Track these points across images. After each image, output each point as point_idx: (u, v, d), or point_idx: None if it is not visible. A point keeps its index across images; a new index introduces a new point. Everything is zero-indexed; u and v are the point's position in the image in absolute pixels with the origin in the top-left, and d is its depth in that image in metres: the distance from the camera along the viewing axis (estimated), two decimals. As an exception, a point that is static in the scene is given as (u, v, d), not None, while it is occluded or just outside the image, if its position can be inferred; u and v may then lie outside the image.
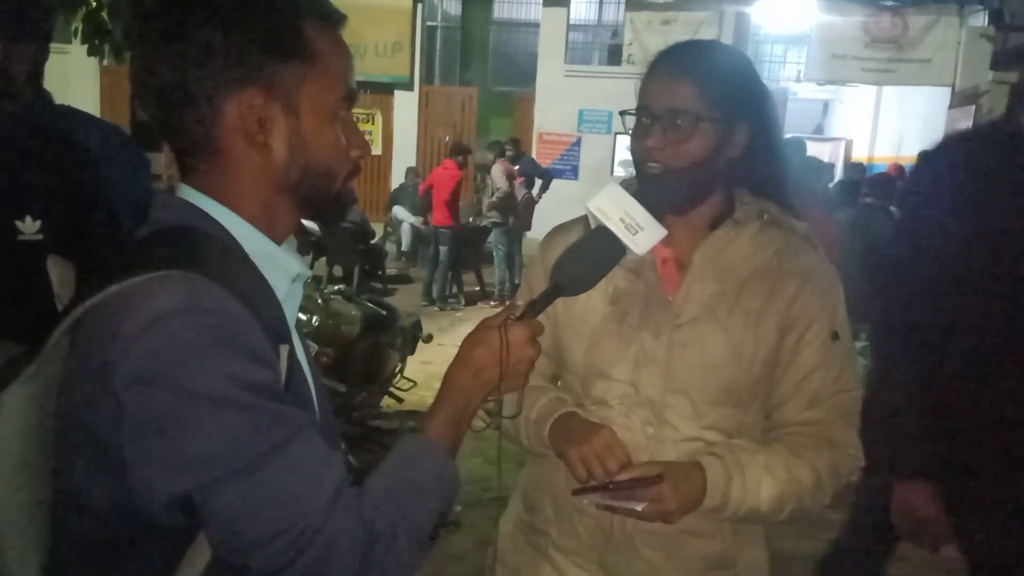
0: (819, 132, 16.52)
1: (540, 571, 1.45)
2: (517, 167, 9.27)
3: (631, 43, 12.55)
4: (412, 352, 4.85)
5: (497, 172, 8.86)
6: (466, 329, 1.09)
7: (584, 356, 1.38)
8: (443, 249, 8.59)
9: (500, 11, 15.32)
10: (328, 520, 0.83)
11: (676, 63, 1.30)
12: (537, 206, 9.42)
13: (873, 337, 1.97)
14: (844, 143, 15.28)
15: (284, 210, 0.97)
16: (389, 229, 11.08)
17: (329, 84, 0.94)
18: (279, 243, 0.98)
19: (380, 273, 9.35)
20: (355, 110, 1.02)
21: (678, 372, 1.32)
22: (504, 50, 15.50)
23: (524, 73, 14.10)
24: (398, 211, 10.92)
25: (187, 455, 0.80)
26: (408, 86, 13.55)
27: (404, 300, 7.91)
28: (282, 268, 0.97)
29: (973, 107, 10.87)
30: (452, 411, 1.01)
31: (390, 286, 9.32)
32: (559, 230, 1.47)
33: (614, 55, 13.85)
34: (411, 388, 4.81)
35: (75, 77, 11.23)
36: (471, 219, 9.74)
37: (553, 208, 7.76)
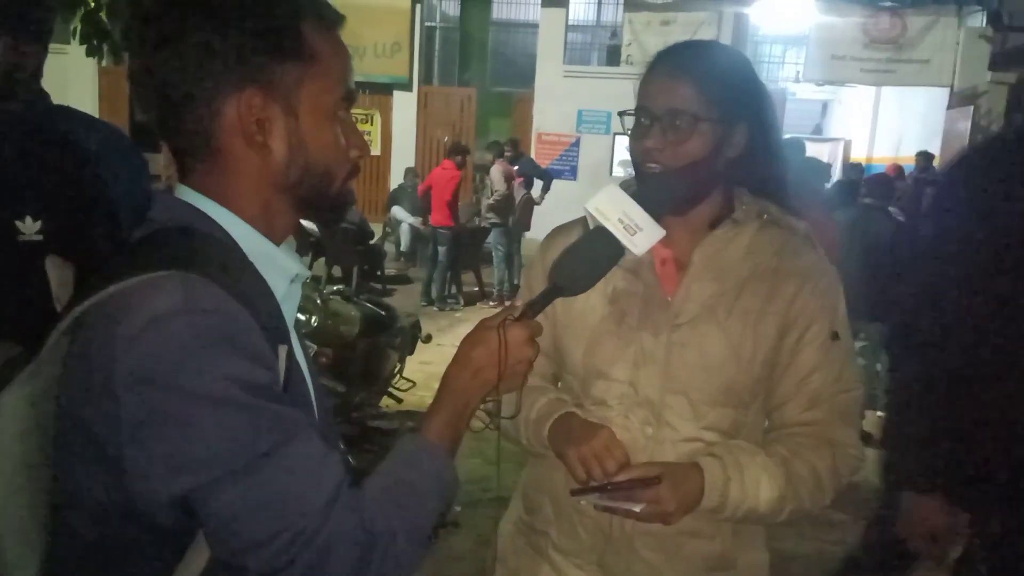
0: (818, 132, 16.53)
1: (540, 572, 1.45)
2: (516, 168, 9.27)
3: (630, 44, 12.54)
4: (411, 352, 4.85)
5: (495, 173, 8.86)
6: (465, 329, 1.09)
7: (583, 356, 1.38)
8: (442, 249, 8.59)
9: (499, 12, 15.31)
10: (327, 521, 0.83)
11: (675, 64, 1.30)
12: (536, 206, 9.42)
13: (897, 356, 1.89)
14: (843, 143, 15.29)
15: (283, 210, 0.97)
16: (388, 229, 11.08)
17: (328, 84, 0.94)
18: (278, 243, 0.98)
19: (379, 273, 9.35)
20: (354, 111, 1.02)
21: (677, 372, 1.32)
22: (503, 51, 15.49)
23: (523, 74, 14.09)
24: (397, 211, 10.92)
25: (186, 455, 0.80)
26: (407, 87, 13.55)
27: (403, 300, 7.91)
28: (281, 268, 0.97)
29: (972, 107, 10.88)
30: (451, 411, 1.01)
31: (389, 286, 9.32)
32: (559, 231, 1.47)
33: (613, 56, 13.84)
34: (410, 388, 4.81)
35: (74, 77, 11.23)
36: (475, 219, 9.74)
37: (552, 208, 7.77)
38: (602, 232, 1.14)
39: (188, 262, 0.84)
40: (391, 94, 13.52)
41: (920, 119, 12.46)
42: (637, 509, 1.24)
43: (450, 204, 8.56)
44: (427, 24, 14.12)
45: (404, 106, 13.63)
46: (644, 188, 1.27)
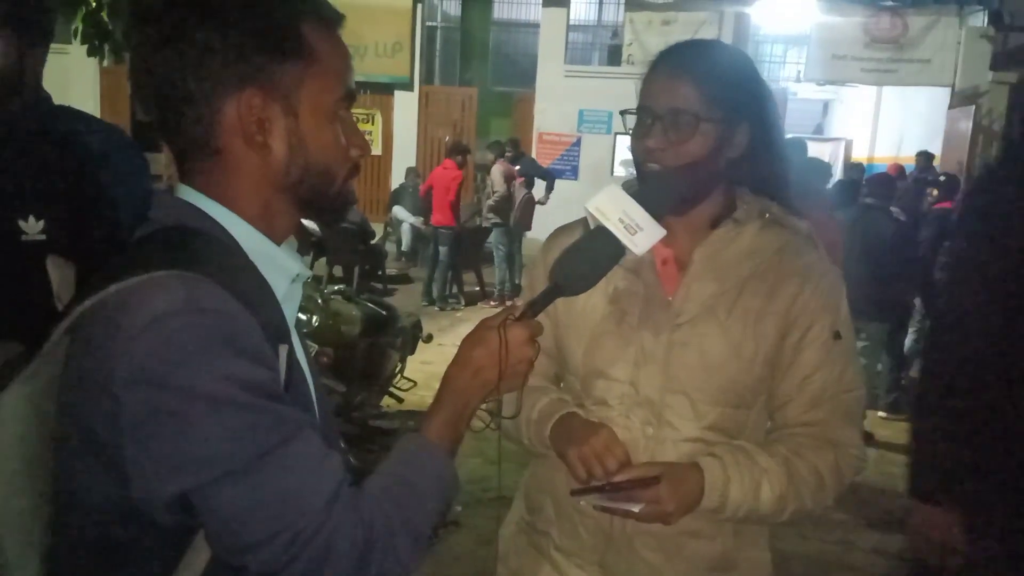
0: (819, 132, 16.52)
1: (541, 571, 1.45)
2: (517, 167, 9.27)
3: (631, 43, 12.54)
4: (412, 352, 4.86)
5: (496, 173, 8.86)
6: (466, 329, 1.09)
7: (584, 356, 1.38)
8: (443, 249, 8.59)
9: (500, 11, 15.32)
10: (327, 521, 0.83)
11: (676, 63, 1.30)
12: (540, 206, 9.41)
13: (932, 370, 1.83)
14: (844, 143, 15.27)
15: (283, 210, 0.97)
16: (389, 229, 11.08)
17: (328, 84, 0.94)
18: (279, 243, 0.98)
19: (380, 273, 9.35)
20: (355, 110, 1.02)
21: (677, 372, 1.32)
22: (504, 50, 15.50)
23: (524, 73, 14.08)
24: (398, 211, 10.92)
25: (186, 455, 0.80)
26: (408, 86, 13.55)
27: (404, 300, 7.91)
28: (281, 268, 0.97)
29: (973, 107, 10.87)
30: (451, 411, 1.01)
31: (390, 286, 9.32)
32: (561, 231, 1.47)
33: (614, 55, 13.84)
34: (411, 388, 4.82)
35: (75, 77, 11.24)
36: (476, 219, 9.74)
37: (553, 208, 7.77)
38: (603, 232, 1.14)
39: (189, 262, 0.85)
40: (392, 94, 13.52)
41: (921, 119, 12.45)
42: (636, 509, 1.24)
43: (451, 204, 8.55)
44: (428, 24, 14.11)
45: (405, 106, 13.62)
46: (645, 188, 1.27)
